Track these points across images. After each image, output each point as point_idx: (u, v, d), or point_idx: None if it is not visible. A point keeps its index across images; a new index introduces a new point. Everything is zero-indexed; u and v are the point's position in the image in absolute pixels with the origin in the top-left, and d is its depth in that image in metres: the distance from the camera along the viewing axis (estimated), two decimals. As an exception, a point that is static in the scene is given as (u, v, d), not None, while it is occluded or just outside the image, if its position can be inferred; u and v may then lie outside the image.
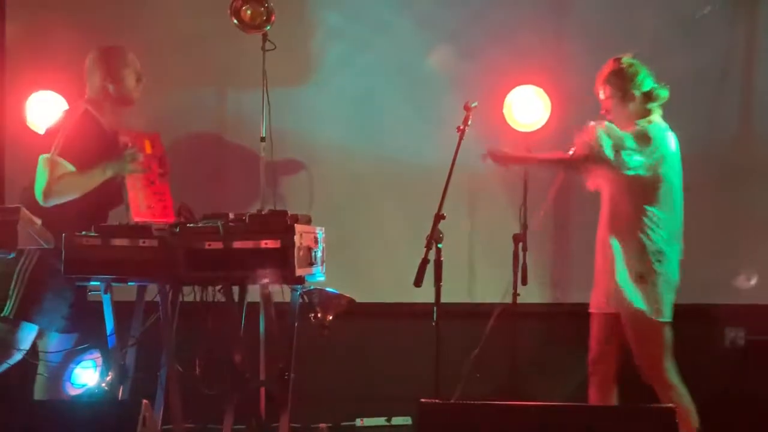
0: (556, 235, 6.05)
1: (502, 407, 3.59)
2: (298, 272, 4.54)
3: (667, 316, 4.73)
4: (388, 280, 6.25)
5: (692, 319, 5.35)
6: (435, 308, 4.43)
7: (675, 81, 6.02)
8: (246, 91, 6.26)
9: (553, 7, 6.34)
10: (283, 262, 4.49)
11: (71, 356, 4.89)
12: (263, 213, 4.80)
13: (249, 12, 5.75)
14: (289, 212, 4.64)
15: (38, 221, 4.40)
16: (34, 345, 4.82)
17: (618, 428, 3.43)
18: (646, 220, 4.71)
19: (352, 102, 6.34)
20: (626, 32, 6.19)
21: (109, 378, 4.70)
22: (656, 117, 4.79)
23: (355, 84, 6.34)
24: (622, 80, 4.78)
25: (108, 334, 4.72)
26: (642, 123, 4.74)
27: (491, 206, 6.13)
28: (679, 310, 4.89)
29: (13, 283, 4.72)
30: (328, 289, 4.90)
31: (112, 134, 4.94)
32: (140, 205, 4.87)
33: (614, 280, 4.77)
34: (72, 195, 4.76)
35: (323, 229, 4.92)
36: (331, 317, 4.88)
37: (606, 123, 4.70)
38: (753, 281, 5.89)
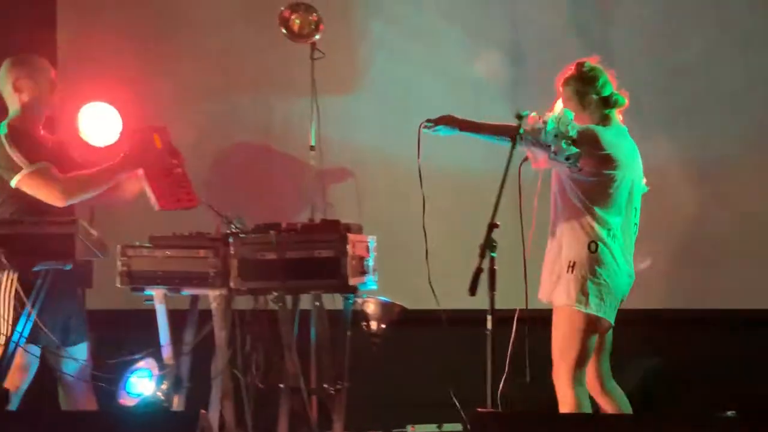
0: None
1: (559, 417, 3.59)
2: (351, 281, 4.57)
3: (592, 309, 4.67)
4: (436, 288, 6.25)
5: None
6: (489, 316, 4.42)
7: (727, 87, 6.05)
8: (291, 100, 6.29)
9: (599, 14, 6.33)
10: (336, 271, 4.53)
11: (124, 366, 4.93)
12: (316, 223, 4.82)
13: (298, 22, 5.78)
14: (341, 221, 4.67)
15: (95, 232, 4.45)
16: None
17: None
18: (589, 218, 4.68)
19: (398, 109, 6.34)
20: (672, 39, 6.18)
21: (164, 387, 4.74)
22: (614, 123, 4.78)
23: (401, 91, 6.35)
24: (581, 84, 4.77)
25: (162, 344, 4.76)
26: (594, 126, 4.73)
27: (541, 213, 6.11)
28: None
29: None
30: (380, 297, 4.91)
31: (45, 136, 4.89)
32: (164, 194, 4.82)
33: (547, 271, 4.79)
34: (92, 193, 4.71)
35: (375, 237, 4.94)
36: (383, 326, 4.90)
37: (564, 111, 4.68)
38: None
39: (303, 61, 5.89)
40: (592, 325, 4.67)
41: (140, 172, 4.76)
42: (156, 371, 4.86)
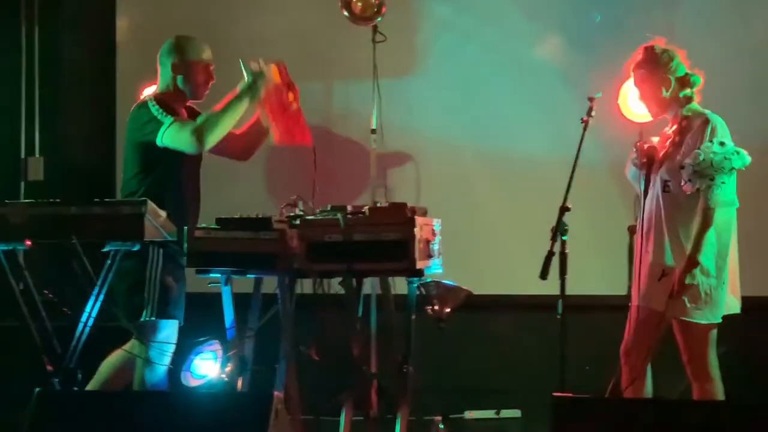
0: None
1: (638, 402, 3.54)
2: (419, 264, 4.52)
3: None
4: (495, 272, 6.23)
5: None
6: (560, 301, 4.38)
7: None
8: (352, 82, 6.28)
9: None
10: (404, 254, 4.48)
11: (189, 348, 4.93)
12: (383, 205, 4.78)
13: (360, 4, 5.76)
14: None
15: (163, 214, 4.44)
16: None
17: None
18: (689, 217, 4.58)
19: (460, 93, 6.33)
20: (741, 21, 6.09)
21: (228, 369, 4.73)
22: (696, 104, 4.69)
23: (463, 75, 6.32)
24: (655, 66, 4.67)
25: (227, 326, 4.75)
26: (687, 111, 4.61)
27: (605, 197, 6.06)
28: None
29: (146, 291, 4.72)
30: (445, 281, 4.87)
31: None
32: (281, 129, 4.87)
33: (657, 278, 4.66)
34: (222, 131, 4.71)
35: (440, 221, 4.90)
36: (448, 310, 4.86)
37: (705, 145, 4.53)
38: None
39: (365, 44, 5.86)
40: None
41: (262, 104, 4.80)
42: (220, 353, 4.86)
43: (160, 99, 4.79)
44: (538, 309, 5.61)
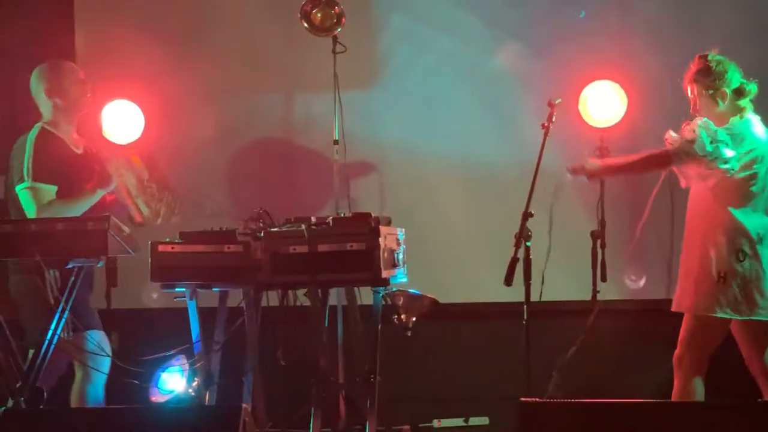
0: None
1: (606, 405, 3.57)
2: (384, 274, 4.54)
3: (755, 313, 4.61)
4: (460, 280, 6.24)
5: None
6: (525, 307, 4.41)
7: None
8: (313, 94, 6.28)
9: (619, 4, 6.30)
10: (369, 264, 4.50)
11: (157, 363, 4.91)
12: (346, 216, 4.79)
13: (319, 15, 5.77)
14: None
15: (126, 229, 4.43)
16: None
17: (729, 424, 3.40)
18: (728, 219, 4.62)
19: (421, 102, 6.33)
20: (695, 26, 6.15)
21: (195, 384, 4.72)
22: (748, 113, 4.71)
23: (423, 84, 6.33)
24: (710, 78, 4.67)
25: (194, 340, 4.74)
26: (734, 120, 4.66)
27: (568, 203, 6.09)
28: None
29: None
30: (410, 290, 4.89)
31: (78, 139, 5.01)
32: (142, 210, 4.93)
33: (697, 282, 4.68)
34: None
35: (404, 230, 4.91)
36: (414, 319, 4.88)
37: (703, 119, 4.61)
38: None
39: (325, 55, 5.86)
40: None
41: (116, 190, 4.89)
42: (187, 368, 4.84)
43: (36, 149, 4.81)
44: (503, 316, 5.66)
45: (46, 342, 4.36)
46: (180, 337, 4.84)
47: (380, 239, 4.51)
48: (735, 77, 4.68)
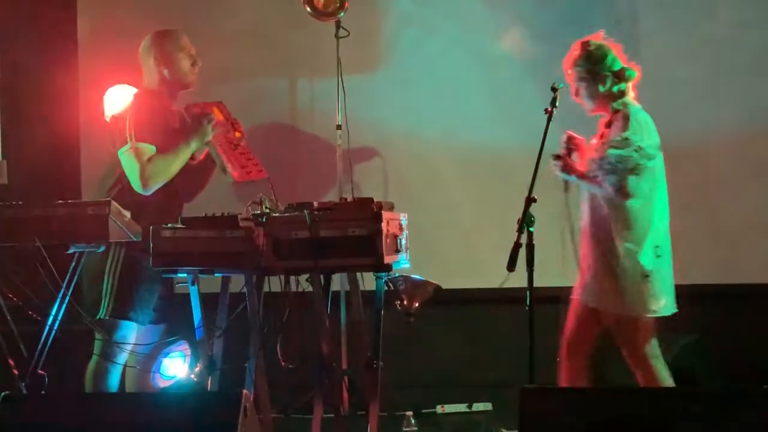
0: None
1: (608, 392, 3.55)
2: (386, 259, 4.51)
3: (653, 310, 4.61)
4: (463, 266, 6.22)
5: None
6: (528, 292, 4.37)
7: (755, 55, 5.96)
8: (316, 79, 6.26)
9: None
10: (372, 249, 4.46)
11: (160, 348, 4.89)
12: (349, 201, 4.77)
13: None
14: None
15: (127, 214, 4.41)
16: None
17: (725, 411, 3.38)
18: (623, 214, 4.60)
19: (425, 87, 6.33)
20: (702, 8, 6.11)
21: (197, 369, 4.71)
22: (630, 98, 4.70)
23: (427, 69, 6.32)
24: (591, 63, 4.69)
25: (196, 326, 4.73)
26: (618, 105, 4.65)
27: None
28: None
29: (105, 284, 4.70)
30: (413, 276, 4.86)
31: (178, 113, 4.93)
32: (236, 166, 4.85)
33: (594, 277, 4.69)
34: (167, 175, 4.74)
35: (406, 215, 4.89)
36: (417, 304, 4.85)
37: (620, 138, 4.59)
38: None
39: (328, 39, 5.84)
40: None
41: (210, 145, 4.81)
42: (189, 353, 4.83)
43: (137, 110, 4.79)
44: (507, 301, 5.62)
45: (48, 327, 4.34)
46: (183, 322, 4.83)
47: (383, 224, 4.47)
48: (616, 62, 4.68)
